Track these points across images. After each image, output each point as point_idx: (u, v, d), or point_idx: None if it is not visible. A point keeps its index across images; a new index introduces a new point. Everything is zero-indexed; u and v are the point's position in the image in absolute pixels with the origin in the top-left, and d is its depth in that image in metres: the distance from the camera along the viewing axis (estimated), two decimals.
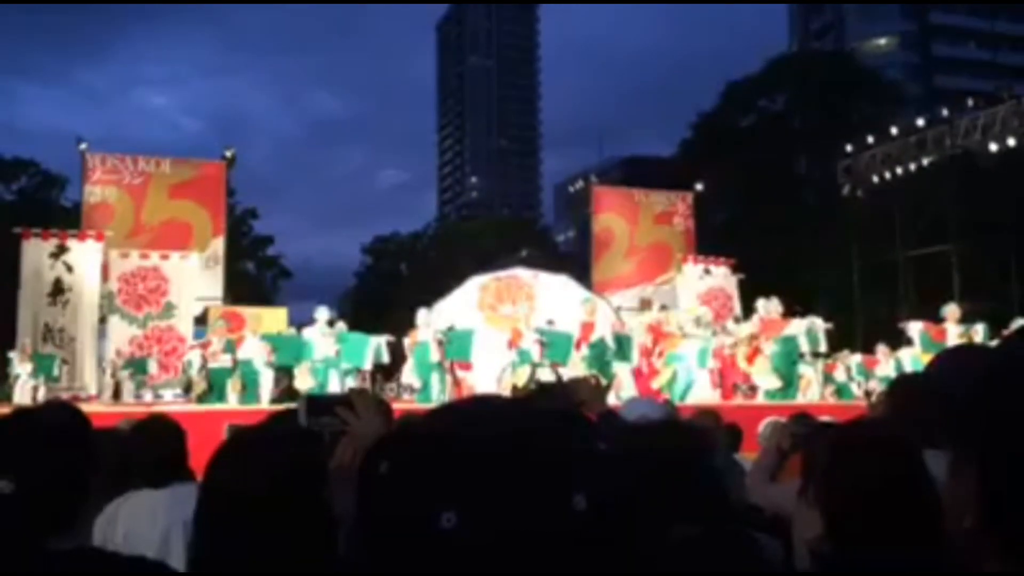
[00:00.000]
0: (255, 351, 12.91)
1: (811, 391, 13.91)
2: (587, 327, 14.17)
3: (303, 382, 13.07)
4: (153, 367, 15.26)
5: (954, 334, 13.62)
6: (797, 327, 14.12)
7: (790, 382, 13.79)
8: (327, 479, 1.49)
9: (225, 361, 12.80)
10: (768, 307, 14.44)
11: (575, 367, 13.05)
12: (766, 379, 13.90)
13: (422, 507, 0.69)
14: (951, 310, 14.33)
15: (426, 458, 0.72)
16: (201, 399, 12.58)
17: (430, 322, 13.80)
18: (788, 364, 13.88)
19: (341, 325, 14.02)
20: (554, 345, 13.54)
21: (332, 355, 13.28)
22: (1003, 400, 0.85)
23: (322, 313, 13.61)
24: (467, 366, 14.01)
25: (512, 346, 13.67)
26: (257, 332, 13.58)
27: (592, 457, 0.75)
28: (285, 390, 13.28)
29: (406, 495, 0.71)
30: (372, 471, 0.73)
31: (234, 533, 1.44)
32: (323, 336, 13.46)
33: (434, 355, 13.29)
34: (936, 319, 14.49)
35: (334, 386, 12.87)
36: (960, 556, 1.56)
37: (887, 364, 14.52)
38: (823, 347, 14.50)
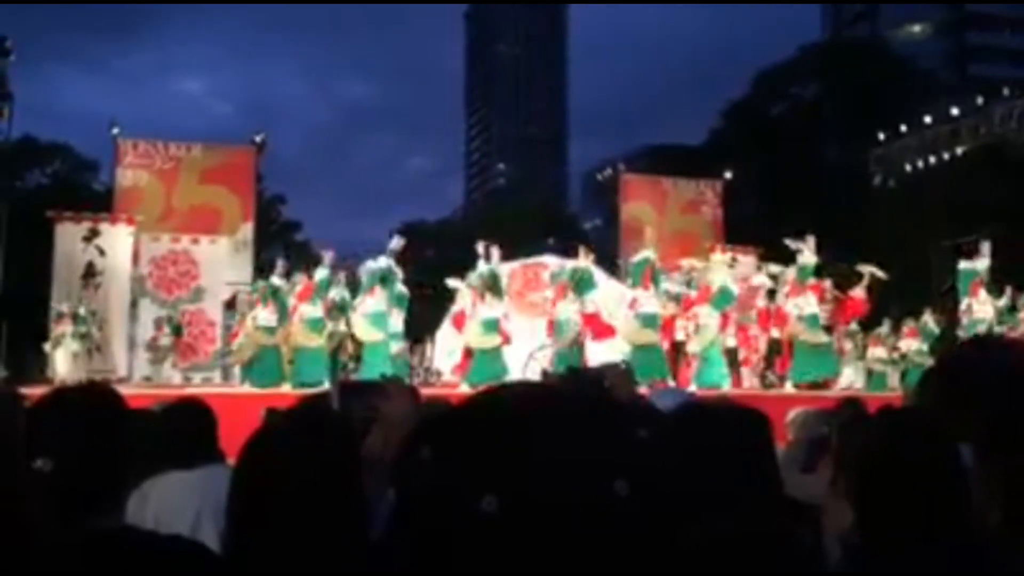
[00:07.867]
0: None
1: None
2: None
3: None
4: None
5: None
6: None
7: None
8: (359, 465, 1.49)
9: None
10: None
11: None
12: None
13: (463, 491, 0.69)
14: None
15: (468, 442, 0.73)
16: None
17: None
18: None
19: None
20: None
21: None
22: None
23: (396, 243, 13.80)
24: None
25: (549, 334, 13.57)
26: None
27: (634, 443, 0.75)
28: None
29: (448, 479, 0.71)
30: (413, 456, 0.74)
31: (268, 521, 1.44)
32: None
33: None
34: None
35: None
36: (987, 550, 1.55)
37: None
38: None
